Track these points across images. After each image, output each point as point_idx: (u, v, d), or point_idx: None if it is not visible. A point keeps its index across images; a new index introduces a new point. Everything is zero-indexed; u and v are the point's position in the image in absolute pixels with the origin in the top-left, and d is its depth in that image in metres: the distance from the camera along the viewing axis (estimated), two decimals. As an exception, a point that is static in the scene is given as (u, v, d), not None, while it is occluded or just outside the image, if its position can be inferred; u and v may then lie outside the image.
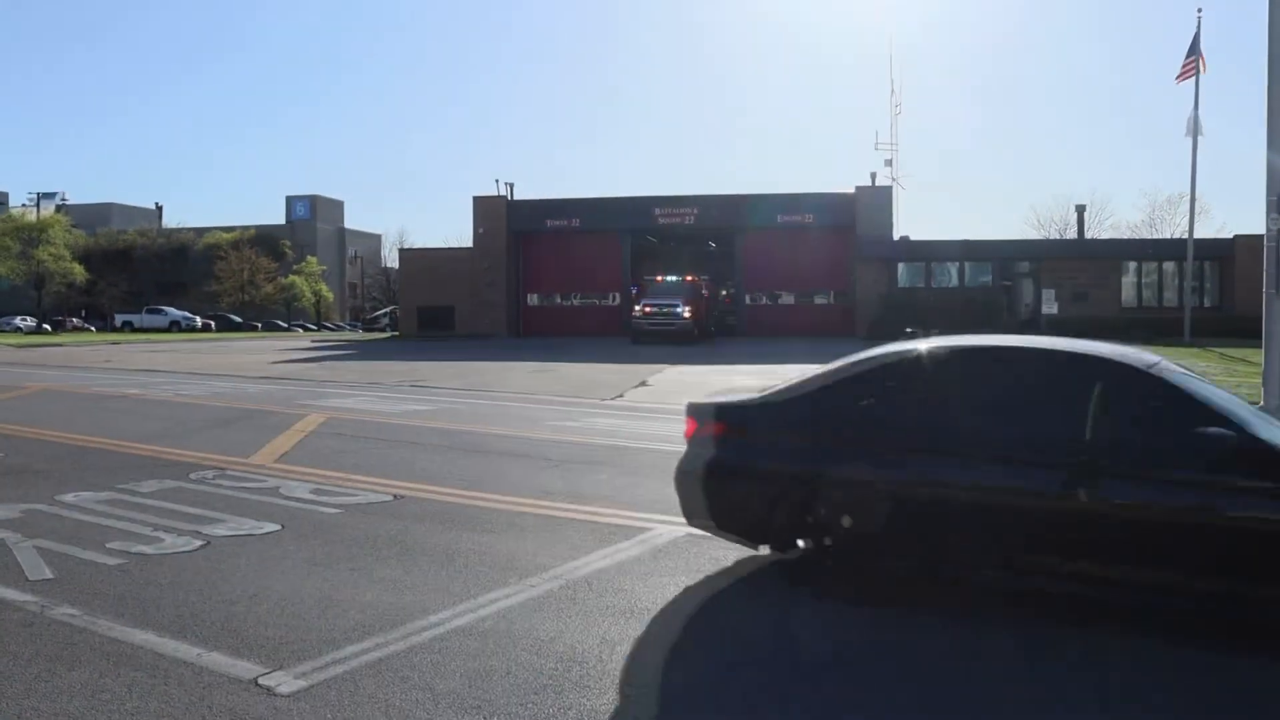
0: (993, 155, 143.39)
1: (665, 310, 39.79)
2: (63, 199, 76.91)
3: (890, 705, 4.78)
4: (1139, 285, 45.44)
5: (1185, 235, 41.52)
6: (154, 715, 4.54)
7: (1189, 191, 38.85)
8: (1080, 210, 60.11)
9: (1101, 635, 5.65)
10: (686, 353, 33.98)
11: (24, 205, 74.82)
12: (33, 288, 68.99)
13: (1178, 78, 36.18)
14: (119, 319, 73.10)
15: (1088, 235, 63.73)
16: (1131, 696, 4.95)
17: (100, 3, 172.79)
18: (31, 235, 66.62)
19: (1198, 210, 39.48)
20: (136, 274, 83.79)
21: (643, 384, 22.76)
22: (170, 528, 7.98)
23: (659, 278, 43.78)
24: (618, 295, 49.66)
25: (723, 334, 46.54)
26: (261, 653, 5.29)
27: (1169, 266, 45.05)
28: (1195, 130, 36.41)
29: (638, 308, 40.82)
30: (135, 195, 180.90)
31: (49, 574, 6.69)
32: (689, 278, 43.41)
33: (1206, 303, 43.81)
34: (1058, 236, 76.91)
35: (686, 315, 39.60)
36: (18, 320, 69.26)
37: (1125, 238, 70.71)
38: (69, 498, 9.11)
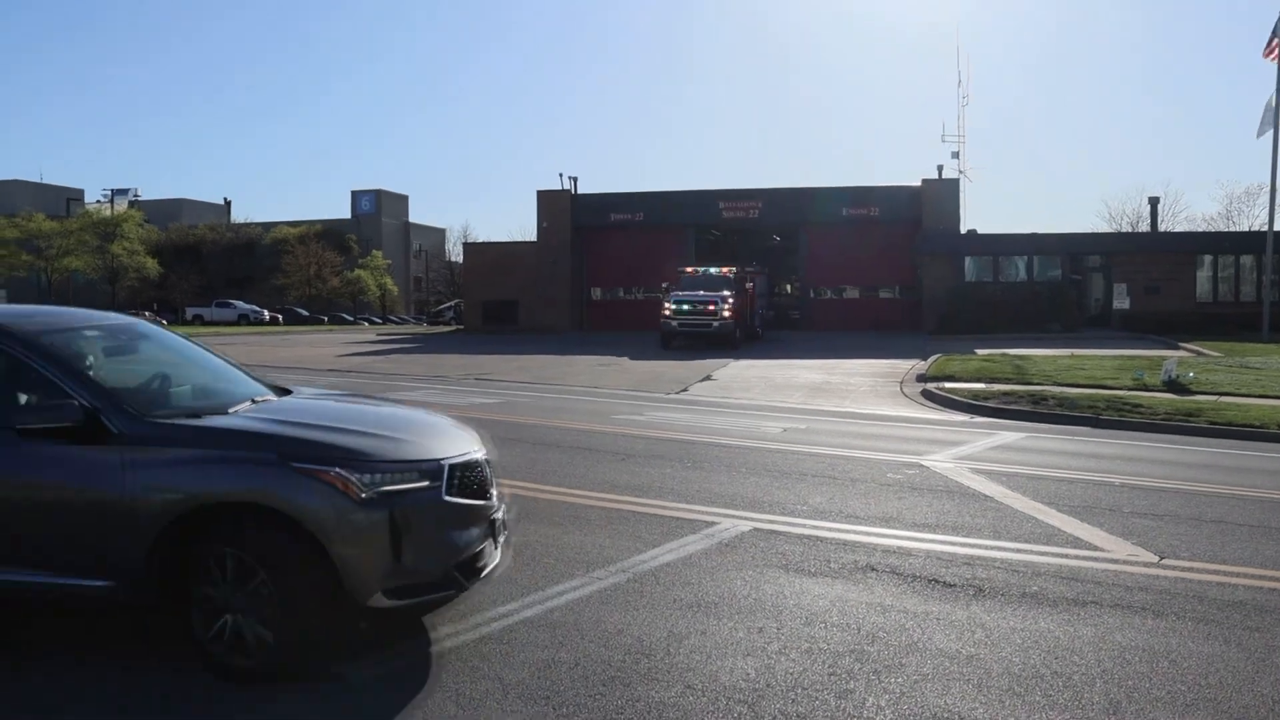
0: (1063, 147, 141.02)
1: (700, 308, 33.72)
2: (135, 195, 78.78)
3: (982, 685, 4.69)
4: (1215, 279, 44.21)
5: (1264, 228, 40.34)
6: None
7: (1269, 182, 37.72)
8: (1153, 202, 58.70)
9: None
10: (749, 348, 33.80)
11: (99, 201, 76.87)
12: (106, 282, 70.74)
13: (1266, 53, 34.73)
14: (189, 312, 74.51)
15: (1161, 228, 62.24)
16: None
17: (170, 4, 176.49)
18: (107, 230, 68.22)
19: (1278, 201, 38.20)
20: (206, 268, 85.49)
21: (708, 378, 22.72)
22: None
23: (694, 270, 37.95)
24: (682, 290, 49.42)
25: (786, 328, 46.18)
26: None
27: (1247, 260, 43.73)
28: (1276, 118, 35.30)
29: (667, 305, 34.48)
30: (204, 191, 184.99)
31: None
32: (729, 269, 37.63)
33: (1287, 297, 42.54)
34: (1130, 230, 75.32)
35: (726, 314, 33.43)
36: (93, 314, 70.90)
37: (1201, 230, 69.08)
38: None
